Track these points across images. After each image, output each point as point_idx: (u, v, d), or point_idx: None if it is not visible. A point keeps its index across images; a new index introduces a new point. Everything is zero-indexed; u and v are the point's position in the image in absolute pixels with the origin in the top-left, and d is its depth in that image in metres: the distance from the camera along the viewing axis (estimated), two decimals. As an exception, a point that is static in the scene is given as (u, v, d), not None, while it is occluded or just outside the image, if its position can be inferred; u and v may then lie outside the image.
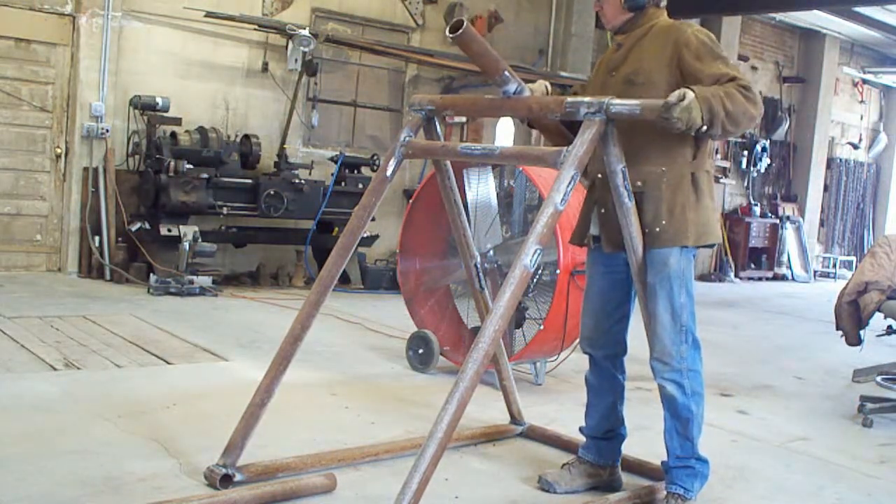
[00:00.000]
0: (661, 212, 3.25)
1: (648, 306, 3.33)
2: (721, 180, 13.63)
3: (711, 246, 3.45)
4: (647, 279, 3.30)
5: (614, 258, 3.44)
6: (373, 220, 3.82)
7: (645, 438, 4.28)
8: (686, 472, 3.38)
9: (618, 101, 3.05)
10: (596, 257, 3.56)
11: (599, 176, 3.36)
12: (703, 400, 3.40)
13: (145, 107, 8.14)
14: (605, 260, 3.50)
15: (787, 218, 14.72)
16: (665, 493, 3.43)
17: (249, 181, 8.42)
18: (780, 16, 13.91)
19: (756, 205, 14.32)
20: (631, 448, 3.83)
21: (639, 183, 3.23)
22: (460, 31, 3.03)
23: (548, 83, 3.51)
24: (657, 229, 3.25)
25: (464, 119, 9.42)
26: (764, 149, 14.26)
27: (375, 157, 9.29)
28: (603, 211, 3.40)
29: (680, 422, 3.34)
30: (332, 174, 8.93)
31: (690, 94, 2.96)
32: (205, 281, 7.88)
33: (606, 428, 3.65)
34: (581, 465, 3.64)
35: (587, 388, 3.69)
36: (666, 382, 3.32)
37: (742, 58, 13.69)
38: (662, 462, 3.49)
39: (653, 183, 3.25)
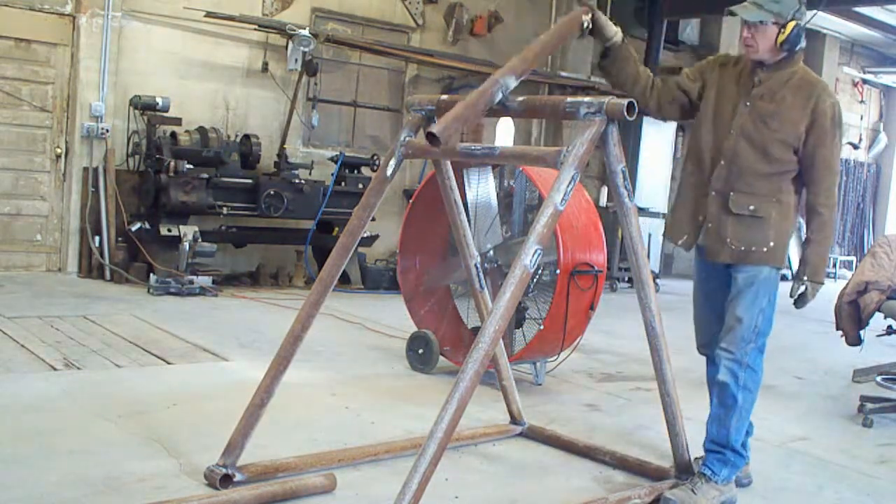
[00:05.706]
0: (769, 235, 3.50)
1: (730, 305, 3.54)
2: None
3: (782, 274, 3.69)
4: (739, 284, 3.53)
5: (716, 265, 3.62)
6: (373, 220, 3.81)
7: (645, 438, 4.28)
8: (717, 457, 3.54)
9: None
10: (700, 265, 3.76)
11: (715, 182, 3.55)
12: (752, 399, 3.56)
13: (145, 107, 8.14)
14: (708, 267, 3.68)
15: (788, 218, 14.69)
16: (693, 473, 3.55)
17: (249, 181, 8.42)
18: (780, 16, 13.88)
19: (756, 205, 14.29)
20: (631, 448, 3.83)
21: (752, 207, 3.49)
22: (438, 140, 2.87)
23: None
24: (764, 249, 3.50)
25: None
26: (764, 149, 14.24)
27: (375, 157, 9.28)
28: (710, 225, 3.58)
29: (724, 408, 3.53)
30: (332, 174, 8.92)
31: (815, 288, 3.52)
32: (205, 281, 7.88)
33: None
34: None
35: (709, 388, 3.73)
36: (723, 369, 3.52)
37: (742, 58, 13.67)
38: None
39: (766, 209, 3.50)
